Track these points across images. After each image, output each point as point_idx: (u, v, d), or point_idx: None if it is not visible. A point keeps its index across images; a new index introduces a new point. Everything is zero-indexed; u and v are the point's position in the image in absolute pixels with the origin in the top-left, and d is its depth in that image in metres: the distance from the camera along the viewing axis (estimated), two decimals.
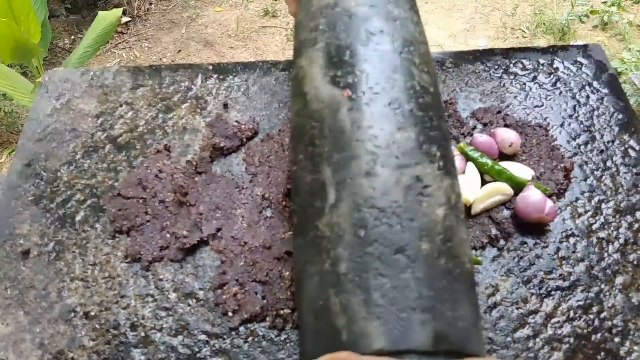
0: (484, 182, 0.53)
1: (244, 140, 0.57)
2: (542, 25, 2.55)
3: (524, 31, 2.56)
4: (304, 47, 0.41)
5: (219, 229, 0.50)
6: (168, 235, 0.50)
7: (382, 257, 0.30)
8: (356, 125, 0.34)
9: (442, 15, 2.60)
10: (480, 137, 0.55)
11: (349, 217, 0.32)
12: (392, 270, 0.29)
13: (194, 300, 0.47)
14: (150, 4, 2.82)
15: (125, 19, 2.67)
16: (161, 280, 0.48)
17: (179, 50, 2.52)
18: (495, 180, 0.53)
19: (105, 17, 1.99)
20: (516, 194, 0.52)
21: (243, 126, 0.57)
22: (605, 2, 2.60)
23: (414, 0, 0.45)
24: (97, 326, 0.46)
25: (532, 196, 0.50)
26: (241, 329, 0.46)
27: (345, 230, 0.32)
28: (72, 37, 2.75)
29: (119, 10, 2.02)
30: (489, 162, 0.53)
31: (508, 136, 0.54)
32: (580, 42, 2.40)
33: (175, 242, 0.50)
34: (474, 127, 0.58)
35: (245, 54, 2.44)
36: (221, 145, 0.56)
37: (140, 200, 0.52)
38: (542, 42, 2.45)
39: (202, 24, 2.62)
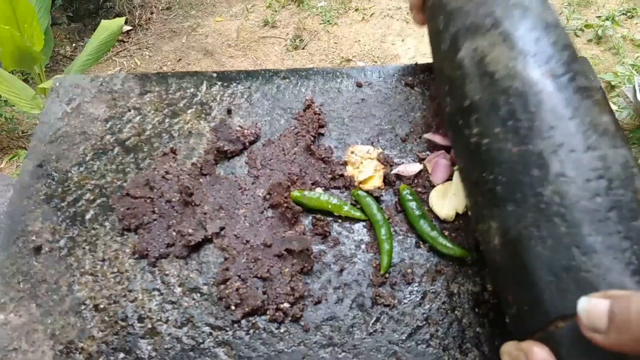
0: None
1: (247, 144, 0.59)
2: None
3: None
4: (475, 32, 0.44)
5: (222, 228, 0.53)
6: (174, 233, 0.53)
7: (622, 222, 0.33)
8: (563, 105, 0.38)
9: None
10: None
11: (581, 186, 0.35)
12: (635, 233, 0.33)
13: (198, 295, 0.50)
14: (152, 13, 2.86)
15: (126, 28, 2.71)
16: (167, 275, 0.51)
17: (180, 59, 2.55)
18: None
19: (108, 26, 2.02)
20: None
21: (246, 131, 0.60)
22: (599, 17, 2.65)
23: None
24: (106, 318, 0.49)
25: None
26: (243, 321, 0.48)
27: (580, 197, 0.35)
28: (74, 44, 2.78)
29: (122, 20, 2.05)
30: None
31: None
32: None
33: (181, 240, 0.52)
34: None
35: (244, 63, 2.47)
36: (225, 148, 0.58)
37: (148, 200, 0.55)
38: None
39: (203, 34, 2.66)
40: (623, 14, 2.70)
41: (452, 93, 0.46)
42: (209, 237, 0.52)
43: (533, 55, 0.41)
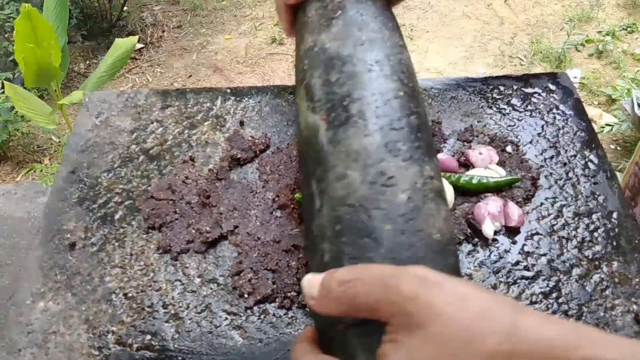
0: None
1: (258, 152, 0.66)
2: (539, 53, 2.66)
3: (521, 59, 2.67)
4: (296, 85, 0.48)
5: (236, 227, 0.59)
6: (193, 231, 0.59)
7: (353, 243, 0.36)
8: (331, 142, 0.41)
9: (443, 43, 2.73)
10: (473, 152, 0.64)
11: (329, 217, 0.38)
12: (361, 252, 0.35)
13: (215, 285, 0.56)
14: (163, 31, 2.96)
15: (139, 46, 2.80)
16: (187, 268, 0.57)
17: (190, 76, 2.64)
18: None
19: (122, 44, 2.10)
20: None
21: (257, 140, 0.67)
22: (600, 32, 2.72)
23: (389, 17, 0.49)
24: (134, 305, 0.55)
25: (483, 207, 0.59)
26: (255, 308, 0.54)
27: (327, 228, 0.38)
28: (87, 62, 2.88)
29: (135, 38, 2.13)
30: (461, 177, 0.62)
31: (476, 158, 0.64)
32: (576, 70, 2.50)
33: (200, 237, 0.59)
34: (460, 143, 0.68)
35: (253, 79, 2.56)
36: (238, 156, 0.65)
37: (170, 202, 0.62)
38: (539, 70, 2.56)
39: (212, 51, 2.75)
40: (623, 29, 2.76)
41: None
42: (225, 234, 0.59)
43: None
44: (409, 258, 0.35)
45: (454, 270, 0.37)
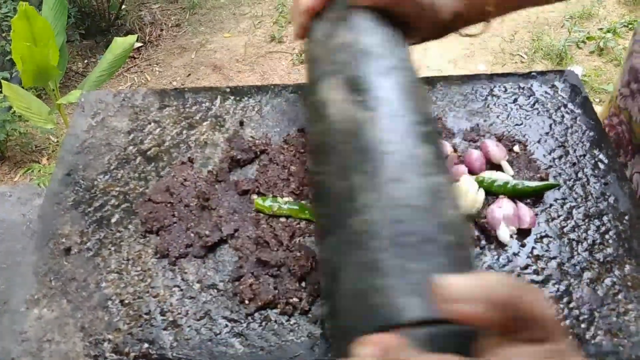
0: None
1: (258, 153, 0.64)
2: (540, 50, 2.64)
3: (522, 57, 2.65)
4: (323, 77, 0.47)
5: (236, 230, 0.58)
6: (192, 235, 0.57)
7: (416, 245, 0.35)
8: (379, 140, 0.40)
9: (443, 41, 2.71)
10: (474, 153, 0.62)
11: (385, 215, 0.37)
12: (425, 257, 0.34)
13: (215, 291, 0.54)
14: (162, 30, 2.94)
15: (137, 45, 2.78)
16: (186, 273, 0.55)
17: (189, 74, 2.62)
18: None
19: (120, 43, 2.08)
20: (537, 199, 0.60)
21: (257, 141, 0.65)
22: (601, 29, 2.70)
23: (409, 52, 0.51)
24: (131, 312, 0.53)
25: (497, 211, 0.57)
26: (256, 314, 0.52)
27: (384, 226, 0.36)
28: (86, 61, 2.86)
29: (134, 37, 2.12)
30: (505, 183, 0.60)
31: (493, 148, 0.62)
32: (577, 67, 2.49)
33: (199, 241, 0.57)
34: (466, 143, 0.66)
35: (252, 77, 2.54)
36: (238, 157, 0.63)
37: (168, 205, 0.60)
38: (540, 67, 2.54)
39: (212, 49, 2.73)
40: (624, 26, 2.75)
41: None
42: (224, 238, 0.57)
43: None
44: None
45: None
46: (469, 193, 0.58)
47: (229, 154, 0.64)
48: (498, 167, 0.63)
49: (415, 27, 0.52)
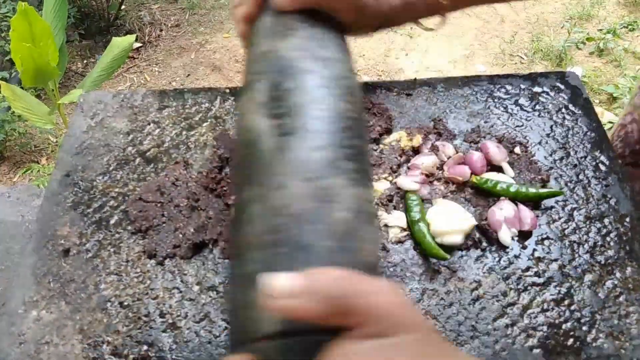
0: None
1: None
2: (540, 51, 2.64)
3: (522, 57, 2.65)
4: (245, 88, 0.46)
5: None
6: (180, 236, 0.57)
7: (287, 255, 0.34)
8: (277, 149, 0.39)
9: (443, 42, 2.71)
10: (475, 155, 0.62)
11: (265, 225, 0.36)
12: (295, 265, 0.33)
13: (215, 293, 0.54)
14: (161, 30, 2.93)
15: (136, 45, 2.78)
16: (185, 275, 0.55)
17: (188, 75, 2.62)
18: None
19: (119, 43, 2.08)
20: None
21: None
22: (601, 30, 2.70)
23: (344, 44, 0.49)
24: (130, 314, 0.53)
25: (497, 213, 0.57)
26: None
27: (261, 236, 0.36)
28: (85, 61, 2.86)
29: (132, 37, 2.11)
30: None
31: (494, 150, 0.62)
32: (577, 68, 2.49)
33: (186, 242, 0.56)
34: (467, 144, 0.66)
35: None
36: (227, 156, 0.63)
37: (158, 205, 0.59)
38: (539, 68, 2.54)
39: (211, 50, 2.73)
40: (624, 27, 2.74)
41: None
42: (207, 241, 0.57)
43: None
44: None
45: None
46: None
47: (216, 153, 0.64)
48: (499, 169, 0.62)
49: (351, 22, 0.50)
